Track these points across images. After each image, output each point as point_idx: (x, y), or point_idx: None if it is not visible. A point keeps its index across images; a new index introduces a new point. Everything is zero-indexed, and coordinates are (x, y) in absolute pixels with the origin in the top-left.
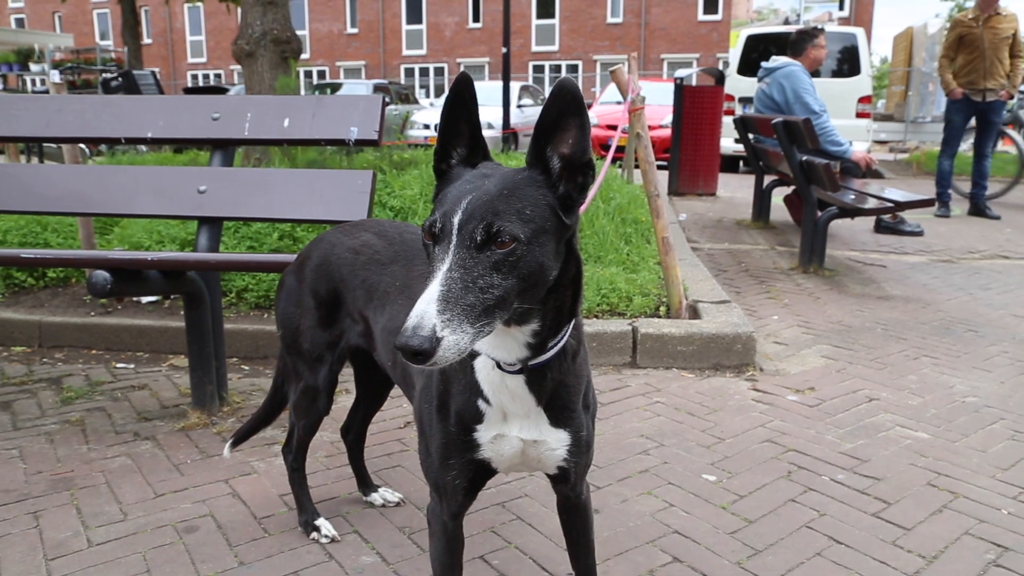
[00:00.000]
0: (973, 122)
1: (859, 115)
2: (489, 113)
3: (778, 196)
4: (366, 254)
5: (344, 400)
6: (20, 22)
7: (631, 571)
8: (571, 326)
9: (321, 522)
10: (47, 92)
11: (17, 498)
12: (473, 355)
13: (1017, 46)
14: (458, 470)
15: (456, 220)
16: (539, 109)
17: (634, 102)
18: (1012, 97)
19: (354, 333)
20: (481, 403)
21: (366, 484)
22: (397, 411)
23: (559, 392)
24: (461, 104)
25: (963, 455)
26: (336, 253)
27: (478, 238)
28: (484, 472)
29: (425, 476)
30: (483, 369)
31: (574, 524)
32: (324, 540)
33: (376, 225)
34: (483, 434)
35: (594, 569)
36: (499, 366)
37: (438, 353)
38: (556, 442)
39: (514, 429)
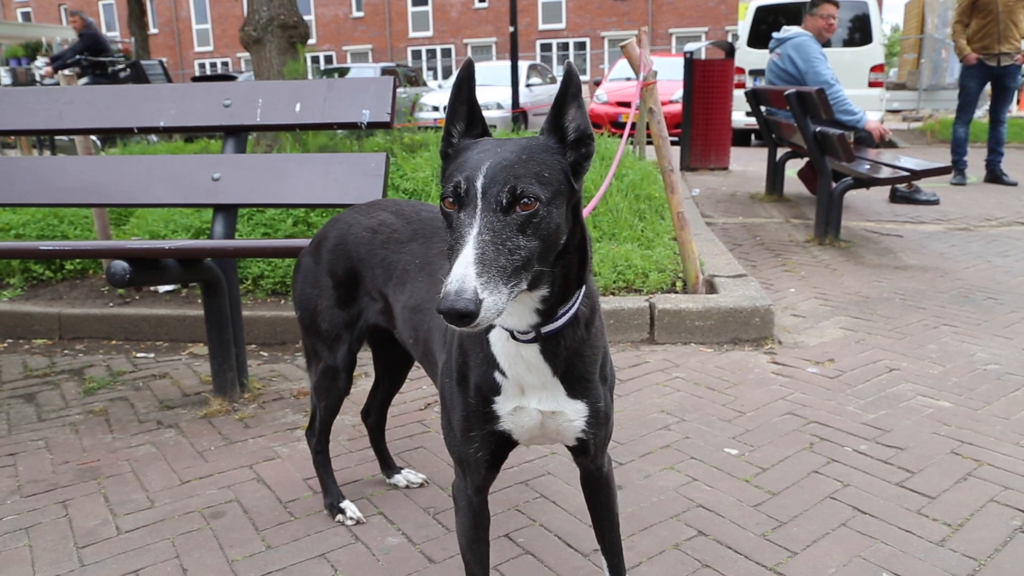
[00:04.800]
0: (988, 88)
1: (871, 84)
2: (498, 93)
3: (791, 169)
4: (384, 233)
5: (364, 384)
6: (27, 16)
7: (656, 546)
8: (581, 293)
9: (346, 504)
10: (57, 85)
11: (46, 488)
12: (488, 328)
13: None
14: (479, 443)
15: (479, 184)
16: (548, 88)
17: (646, 77)
18: None
19: (372, 312)
20: (498, 375)
21: (389, 466)
22: (417, 393)
23: (575, 362)
24: (463, 87)
25: (986, 423)
26: (354, 233)
27: (504, 200)
28: (505, 444)
29: (449, 451)
30: (498, 341)
31: (597, 498)
32: (350, 522)
33: (393, 204)
34: (502, 406)
35: (619, 542)
36: (513, 336)
37: (481, 315)
38: (574, 413)
39: (532, 401)
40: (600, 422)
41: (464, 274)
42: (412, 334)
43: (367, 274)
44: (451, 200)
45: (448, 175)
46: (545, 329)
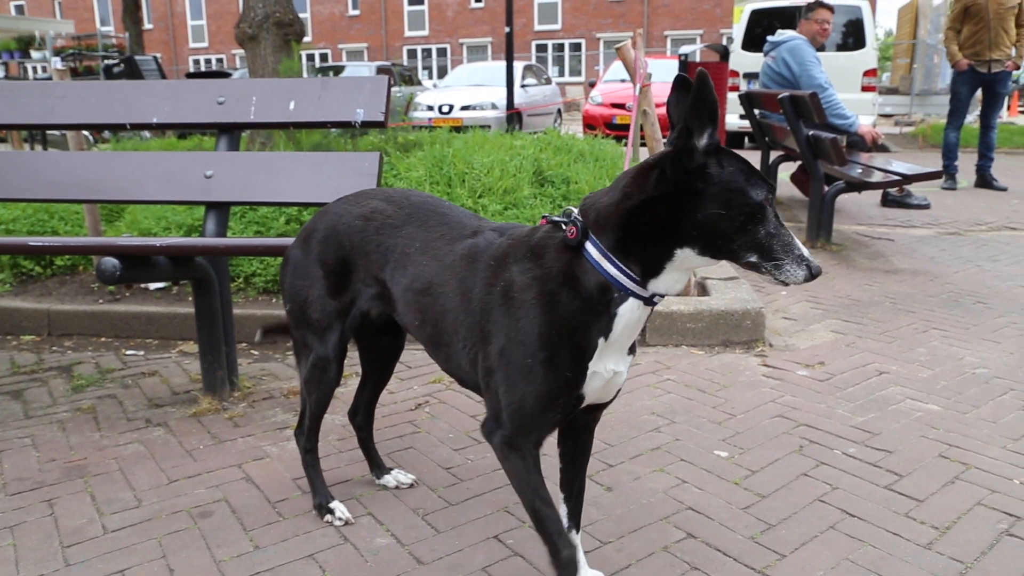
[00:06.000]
0: (979, 93)
1: (864, 88)
2: (493, 93)
3: (784, 172)
4: (378, 219)
5: (354, 384)
6: (20, 9)
7: (645, 548)
8: None
9: (335, 505)
10: (49, 79)
11: (32, 486)
12: (623, 298)
13: (1023, 16)
14: (561, 408)
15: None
16: (543, 88)
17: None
18: (1018, 67)
19: (366, 298)
20: (601, 342)
21: (378, 466)
22: (408, 393)
23: None
24: (710, 93)
25: (974, 426)
26: (345, 222)
27: None
28: (579, 405)
29: (515, 422)
30: (629, 310)
31: (584, 446)
32: (338, 523)
33: (381, 192)
34: (589, 371)
35: (584, 487)
36: (650, 301)
37: None
38: (626, 368)
39: (609, 363)
40: None
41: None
42: (419, 316)
43: (361, 261)
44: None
45: (759, 181)
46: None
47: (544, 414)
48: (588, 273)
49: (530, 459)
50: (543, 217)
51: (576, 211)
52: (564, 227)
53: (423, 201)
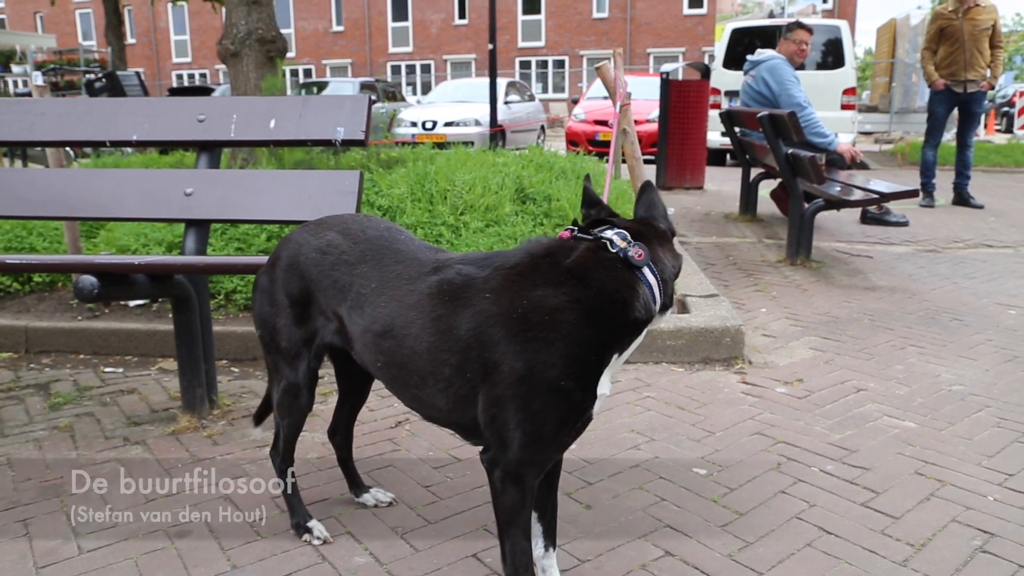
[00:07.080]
0: (956, 113)
1: (844, 107)
2: (477, 110)
3: (765, 189)
4: (333, 254)
5: (334, 401)
6: (1, 23)
7: (623, 566)
8: None
9: (313, 524)
10: (29, 94)
11: (6, 506)
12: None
13: (997, 37)
14: (577, 430)
15: None
16: (526, 105)
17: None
18: (993, 87)
19: (328, 331)
20: (615, 357)
21: (357, 485)
22: (388, 411)
23: None
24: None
25: (950, 443)
26: (304, 253)
27: None
28: (587, 425)
29: (532, 457)
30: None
31: (556, 464)
32: (316, 542)
33: (339, 223)
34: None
35: (557, 503)
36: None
37: None
38: (612, 380)
39: (609, 379)
40: None
41: None
42: (380, 359)
43: (320, 295)
44: None
45: None
46: None
47: (561, 440)
48: (645, 293)
49: (528, 493)
50: (567, 229)
51: (618, 232)
52: (614, 246)
53: (378, 235)
